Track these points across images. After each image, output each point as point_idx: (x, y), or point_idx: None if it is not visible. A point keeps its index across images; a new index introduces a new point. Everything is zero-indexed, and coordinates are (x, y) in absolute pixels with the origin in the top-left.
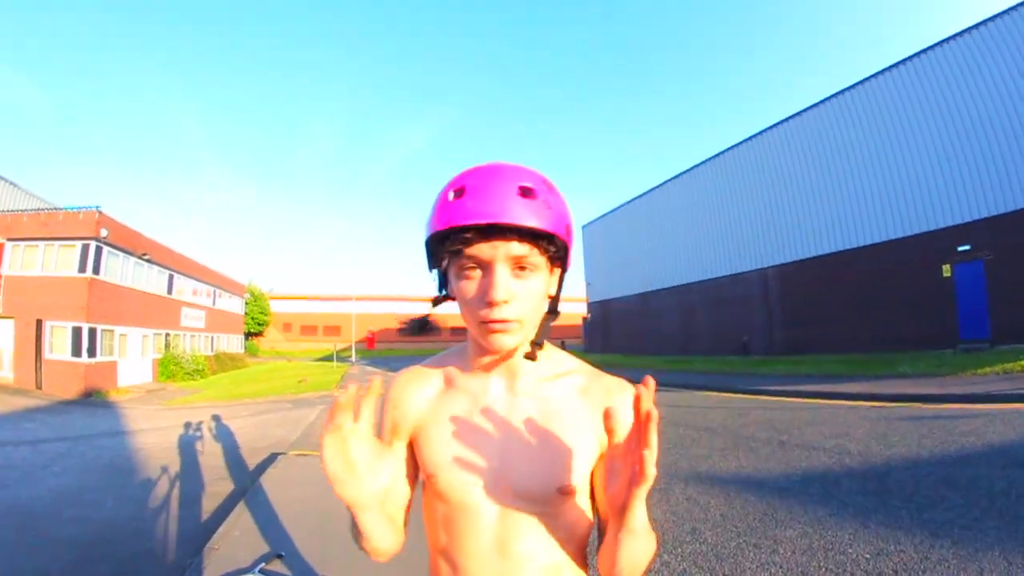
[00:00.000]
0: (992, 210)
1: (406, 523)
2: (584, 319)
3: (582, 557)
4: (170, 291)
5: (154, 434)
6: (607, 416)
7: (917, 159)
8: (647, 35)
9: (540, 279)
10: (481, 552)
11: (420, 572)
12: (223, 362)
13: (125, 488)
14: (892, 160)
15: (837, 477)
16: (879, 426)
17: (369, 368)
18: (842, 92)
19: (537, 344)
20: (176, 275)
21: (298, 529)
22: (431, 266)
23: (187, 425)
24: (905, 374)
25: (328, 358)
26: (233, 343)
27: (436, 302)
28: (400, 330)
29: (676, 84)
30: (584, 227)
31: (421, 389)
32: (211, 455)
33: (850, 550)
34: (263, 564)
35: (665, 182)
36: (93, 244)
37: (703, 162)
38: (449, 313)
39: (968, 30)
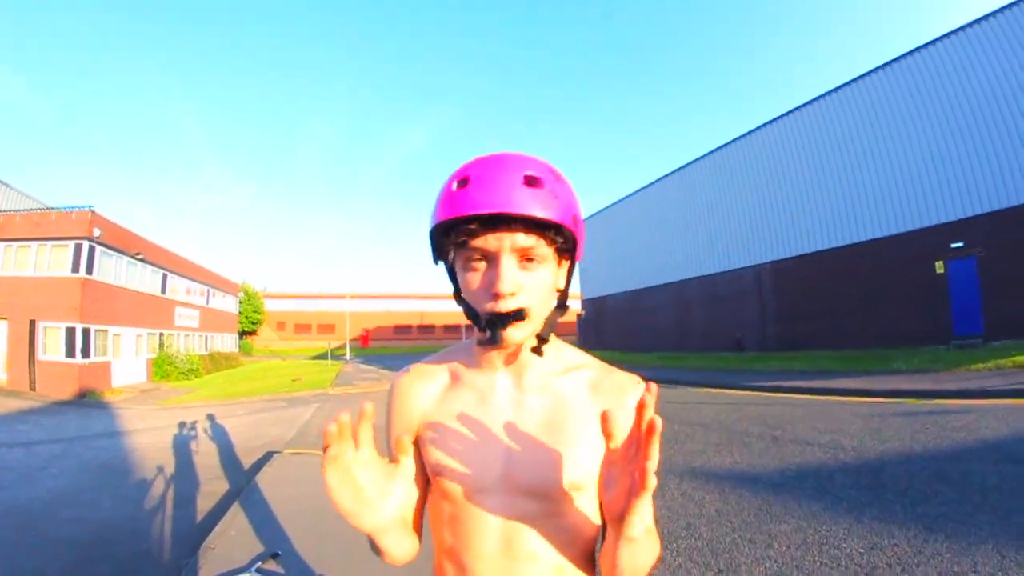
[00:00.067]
0: (986, 207)
1: (420, 525)
2: (579, 316)
3: (589, 558)
4: (164, 290)
5: (149, 434)
6: (604, 419)
7: (911, 156)
8: (647, 35)
9: (548, 271)
10: (487, 552)
11: (420, 571)
12: (217, 361)
13: (121, 488)
14: (886, 157)
15: (831, 472)
16: (873, 422)
17: (363, 366)
18: (836, 89)
19: (543, 338)
20: (170, 274)
21: (294, 527)
22: (436, 259)
23: (182, 425)
24: (899, 370)
25: (322, 356)
26: (227, 342)
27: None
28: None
29: (676, 84)
30: None
31: (426, 387)
32: (206, 454)
33: (844, 544)
34: (259, 563)
35: (660, 179)
36: (86, 244)
37: (698, 159)
38: (442, 311)
39: (962, 28)
